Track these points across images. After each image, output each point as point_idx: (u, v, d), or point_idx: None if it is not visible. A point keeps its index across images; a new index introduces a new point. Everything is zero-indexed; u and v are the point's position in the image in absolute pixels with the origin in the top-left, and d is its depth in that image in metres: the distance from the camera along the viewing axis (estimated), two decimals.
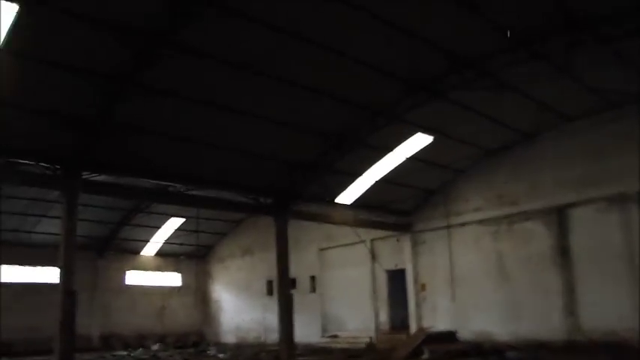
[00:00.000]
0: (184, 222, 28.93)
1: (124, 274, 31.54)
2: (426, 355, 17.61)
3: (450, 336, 19.76)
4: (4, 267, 26.84)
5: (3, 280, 26.43)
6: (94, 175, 15.80)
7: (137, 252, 31.85)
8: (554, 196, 18.88)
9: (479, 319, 20.57)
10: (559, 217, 18.95)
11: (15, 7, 10.34)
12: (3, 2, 10.19)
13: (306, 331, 23.32)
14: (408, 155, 19.16)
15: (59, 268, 14.61)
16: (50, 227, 23.63)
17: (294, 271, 20.42)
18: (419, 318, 22.62)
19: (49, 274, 26.29)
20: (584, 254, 18.12)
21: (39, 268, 27.29)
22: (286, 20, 12.07)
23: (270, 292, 28.89)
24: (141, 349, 26.71)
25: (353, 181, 20.51)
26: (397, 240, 23.90)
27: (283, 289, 19.43)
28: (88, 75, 12.67)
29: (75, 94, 13.17)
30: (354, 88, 15.15)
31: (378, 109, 16.47)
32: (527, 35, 13.14)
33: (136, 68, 12.58)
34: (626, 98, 15.98)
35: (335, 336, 25.15)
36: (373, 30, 12.68)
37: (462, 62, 14.30)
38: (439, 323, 21.24)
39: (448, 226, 22.11)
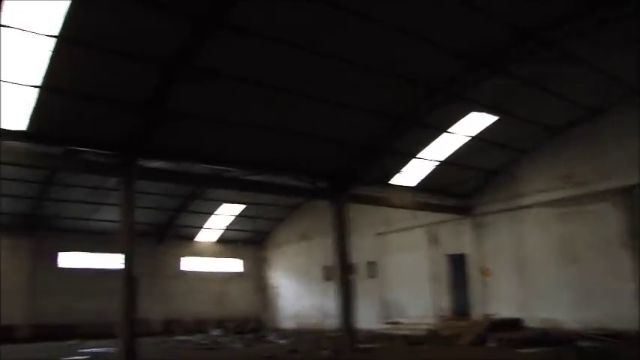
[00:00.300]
0: (244, 208, 28.98)
1: (183, 260, 31.91)
2: (491, 343, 17.03)
3: (515, 323, 19.09)
4: (68, 254, 27.77)
5: (67, 266, 27.51)
6: (150, 161, 15.81)
7: (194, 238, 32.16)
8: (625, 176, 17.67)
9: (545, 305, 19.64)
10: (630, 198, 17.78)
11: None
12: None
13: (365, 317, 22.89)
14: (469, 135, 18.41)
15: (120, 254, 14.74)
16: (110, 214, 23.99)
17: (352, 256, 20.05)
18: (481, 304, 21.92)
19: (113, 260, 26.82)
20: None
21: (102, 254, 27.85)
22: None
23: (328, 278, 28.66)
24: (201, 334, 26.96)
25: (410, 163, 19.91)
26: (457, 223, 23.19)
27: (342, 274, 19.09)
28: (143, 59, 12.62)
29: (130, 79, 13.13)
30: (413, 65, 14.56)
31: (437, 87, 15.81)
32: (595, 1, 12.22)
33: (191, 51, 12.38)
34: None
35: (395, 322, 24.71)
36: (432, 2, 12.08)
37: (525, 33, 13.46)
38: (502, 309, 20.57)
39: (511, 209, 21.23)
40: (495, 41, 13.91)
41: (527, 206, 20.74)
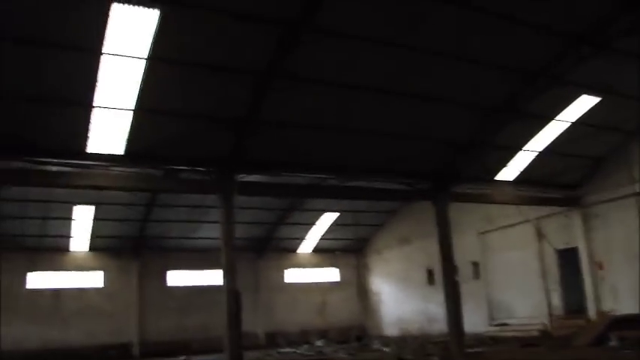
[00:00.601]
0: (339, 216, 28.83)
1: (283, 272, 32.10)
2: (613, 342, 15.81)
3: (639, 320, 17.64)
4: (174, 272, 28.70)
5: (174, 284, 28.45)
6: (247, 176, 15.96)
7: (294, 250, 32.25)
8: None
9: None
10: None
11: (156, 13, 10.51)
12: (144, 10, 10.37)
13: (472, 320, 21.99)
14: (573, 120, 17.30)
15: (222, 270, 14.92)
16: (211, 232, 24.54)
17: (454, 257, 19.35)
18: (597, 300, 20.48)
19: (216, 276, 27.50)
20: None
21: (205, 271, 28.56)
22: None
23: (430, 281, 28.00)
24: (305, 345, 26.97)
25: (513, 156, 19.02)
26: (565, 216, 21.88)
27: (448, 276, 18.47)
28: (233, 72, 12.75)
29: (222, 93, 13.33)
30: (508, 51, 13.85)
31: (536, 71, 14.87)
32: None
33: (281, 57, 12.37)
34: None
35: (504, 324, 23.66)
36: None
37: (628, 3, 12.41)
38: (622, 306, 19.11)
39: (625, 196, 19.67)
40: (596, 15, 12.94)
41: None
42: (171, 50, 11.68)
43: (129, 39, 11.10)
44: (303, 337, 29.54)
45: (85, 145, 13.67)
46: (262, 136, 14.65)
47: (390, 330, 30.75)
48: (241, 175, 15.65)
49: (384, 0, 11.56)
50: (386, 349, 21.24)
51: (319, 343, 27.53)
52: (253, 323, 27.67)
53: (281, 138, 15.13)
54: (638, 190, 19.22)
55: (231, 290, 14.57)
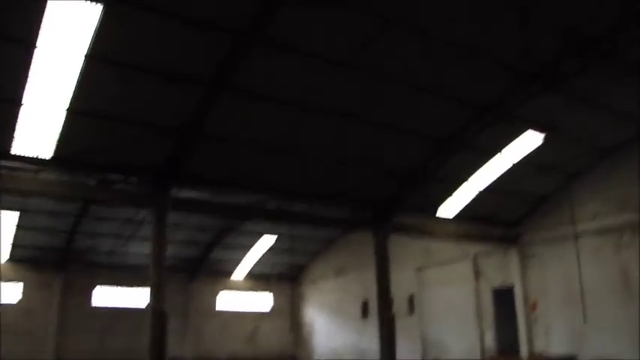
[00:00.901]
0: (276, 241, 27.95)
1: (215, 296, 31.02)
2: None
3: None
4: (101, 289, 27.22)
5: (100, 304, 26.95)
6: (184, 191, 15.21)
7: (228, 273, 31.14)
8: None
9: (601, 342, 18.13)
10: None
11: (99, 8, 9.79)
12: (85, 3, 9.64)
13: (404, 356, 21.68)
14: (518, 158, 17.39)
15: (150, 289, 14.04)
16: (142, 249, 23.40)
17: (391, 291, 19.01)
18: (530, 341, 20.46)
19: (144, 298, 26.28)
20: None
21: (134, 288, 27.23)
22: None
23: (364, 314, 27.54)
24: None
25: (456, 190, 18.90)
26: (503, 254, 21.85)
27: (384, 310, 18.06)
28: (179, 80, 12.07)
29: (164, 100, 12.65)
30: (460, 82, 13.73)
31: (487, 105, 14.85)
32: None
33: (230, 68, 11.83)
34: None
35: None
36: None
37: (582, 42, 12.50)
38: (554, 347, 19.22)
39: (562, 237, 19.87)
40: (549, 53, 13.01)
41: (580, 234, 19.34)
42: (112, 50, 10.95)
43: (67, 33, 10.23)
44: None
45: (9, 146, 12.68)
46: (203, 149, 13.99)
47: None
48: (177, 190, 14.91)
49: (338, 19, 11.20)
50: None
51: None
52: (181, 348, 26.48)
53: (223, 153, 14.55)
54: (577, 231, 19.41)
55: (156, 311, 13.65)
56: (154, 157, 13.96)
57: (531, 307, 20.81)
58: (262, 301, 32.52)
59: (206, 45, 11.27)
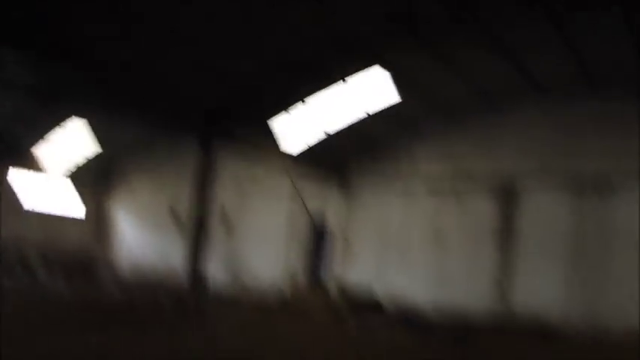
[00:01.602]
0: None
1: None
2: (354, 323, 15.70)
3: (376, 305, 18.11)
4: None
5: None
6: None
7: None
8: (510, 173, 17.81)
9: (402, 282, 19.35)
10: (505, 193, 17.87)
11: None
12: None
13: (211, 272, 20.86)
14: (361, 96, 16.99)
15: None
16: None
17: (208, 205, 17.87)
18: (339, 274, 21.01)
19: None
20: (530, 236, 17.21)
21: None
22: None
23: (177, 224, 26.03)
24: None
25: (289, 109, 18.12)
26: (327, 189, 21.82)
27: (196, 222, 16.89)
28: None
29: None
30: None
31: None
32: None
33: None
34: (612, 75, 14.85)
35: (241, 281, 22.91)
36: None
37: None
38: (360, 281, 19.91)
39: (386, 183, 20.47)
40: None
41: (403, 184, 20.05)
42: None
43: None
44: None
45: None
46: None
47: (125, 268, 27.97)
48: None
49: None
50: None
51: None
52: None
53: None
54: (398, 180, 20.05)
55: None
56: None
57: (344, 241, 21.21)
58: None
59: None
